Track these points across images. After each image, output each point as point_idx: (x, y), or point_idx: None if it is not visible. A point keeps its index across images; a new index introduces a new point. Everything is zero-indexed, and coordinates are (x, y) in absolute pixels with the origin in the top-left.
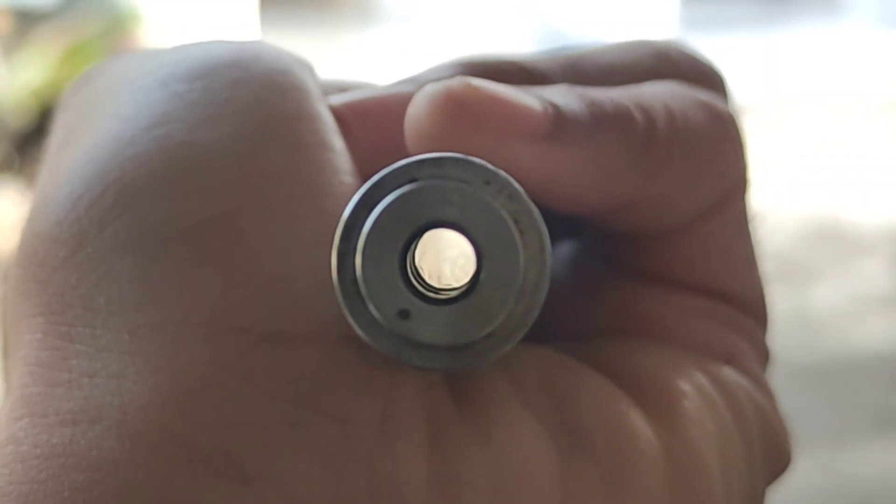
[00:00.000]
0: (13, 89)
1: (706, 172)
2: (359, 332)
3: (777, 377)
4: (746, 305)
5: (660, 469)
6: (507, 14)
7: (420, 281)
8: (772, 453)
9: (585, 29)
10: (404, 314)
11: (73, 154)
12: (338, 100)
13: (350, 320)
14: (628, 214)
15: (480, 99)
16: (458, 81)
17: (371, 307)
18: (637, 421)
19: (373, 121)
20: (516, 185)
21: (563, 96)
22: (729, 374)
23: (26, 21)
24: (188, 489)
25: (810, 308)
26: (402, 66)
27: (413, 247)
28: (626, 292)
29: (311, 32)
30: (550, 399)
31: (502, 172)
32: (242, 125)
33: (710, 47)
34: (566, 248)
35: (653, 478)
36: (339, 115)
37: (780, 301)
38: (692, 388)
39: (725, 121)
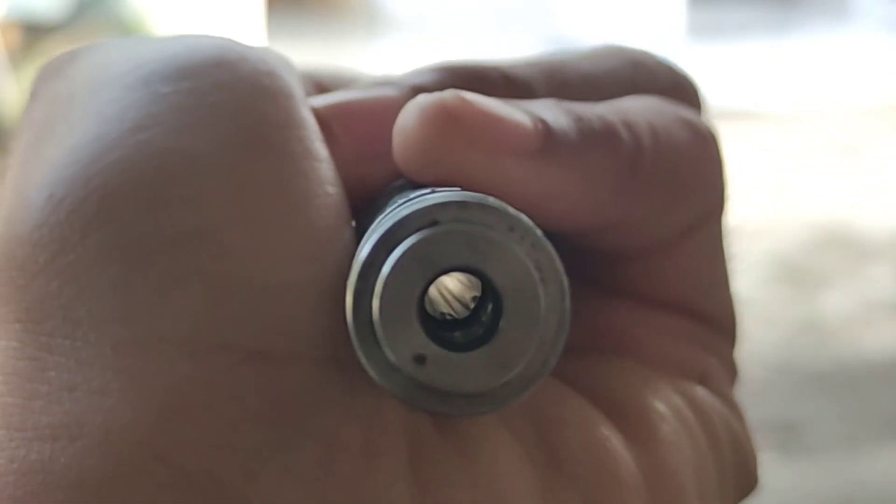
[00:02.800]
0: (21, 102)
1: (688, 193)
2: (372, 374)
3: (786, 383)
4: (719, 324)
5: (640, 495)
6: (515, 22)
7: (440, 321)
8: (741, 474)
9: (592, 35)
10: (420, 359)
11: (51, 153)
12: (320, 102)
13: (364, 362)
14: (608, 234)
15: (472, 113)
16: (451, 95)
17: (387, 350)
18: (618, 447)
19: (356, 126)
20: (538, 232)
21: (552, 111)
22: (703, 394)
23: (34, 34)
24: None
25: (820, 314)
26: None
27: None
28: (602, 308)
29: (318, 41)
30: (532, 421)
31: (525, 218)
32: (228, 132)
33: (717, 54)
34: None
35: (632, 502)
36: (322, 118)
37: (790, 307)
38: (670, 411)
39: (707, 139)
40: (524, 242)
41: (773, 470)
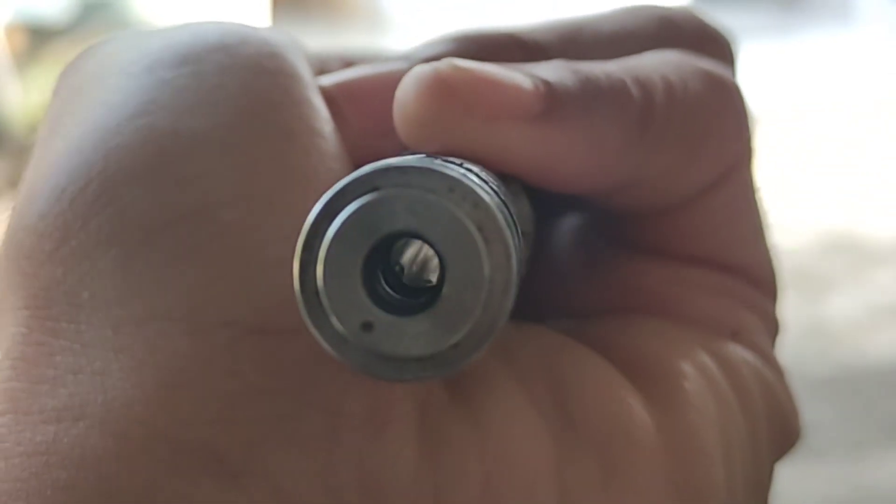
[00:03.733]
0: (27, 106)
1: (707, 145)
2: (323, 344)
3: (792, 388)
4: (754, 278)
5: (657, 456)
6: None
7: (394, 286)
8: (779, 430)
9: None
10: (367, 326)
11: (58, 144)
12: (328, 81)
13: (313, 332)
14: (629, 192)
15: (468, 81)
16: (446, 64)
17: (334, 319)
18: (635, 406)
19: (364, 102)
20: (481, 192)
21: (556, 72)
22: (734, 350)
23: (39, 37)
24: (173, 485)
25: (825, 319)
26: None
27: (382, 255)
28: (630, 268)
29: (322, 42)
30: (547, 382)
31: (466, 180)
32: (228, 113)
33: None
34: (568, 222)
35: (650, 465)
36: (330, 96)
37: (795, 312)
38: (693, 368)
39: (727, 89)
40: (465, 203)
41: (778, 474)
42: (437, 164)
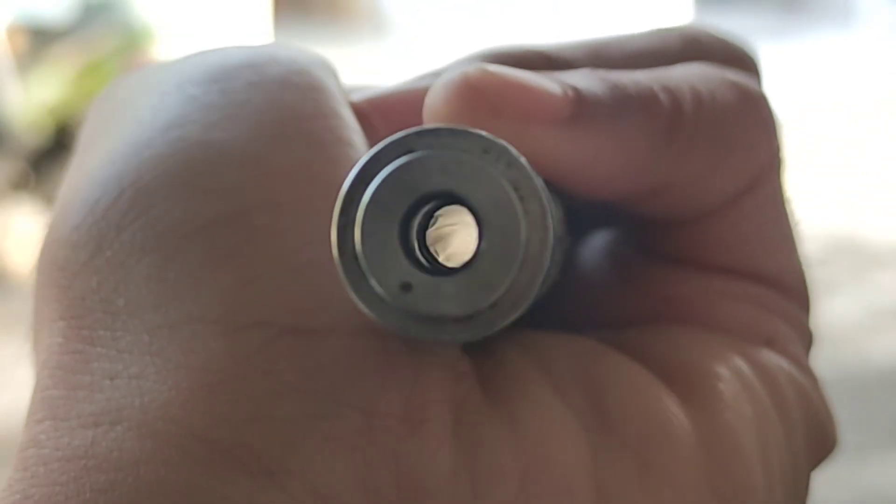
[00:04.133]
0: (28, 107)
1: (736, 153)
2: (361, 307)
3: None
4: (786, 287)
5: (695, 454)
6: (521, 26)
7: (427, 256)
8: (815, 436)
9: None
10: (406, 287)
11: (91, 160)
12: (359, 96)
13: (352, 296)
14: (659, 199)
15: (498, 84)
16: (475, 68)
17: (373, 281)
18: (670, 405)
19: (394, 116)
20: (515, 152)
21: (585, 79)
22: (768, 356)
23: (41, 39)
24: (210, 485)
25: (827, 321)
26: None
27: (419, 219)
28: (663, 278)
29: (325, 46)
30: (581, 385)
31: (500, 140)
32: (257, 125)
33: None
34: (601, 237)
35: (688, 463)
36: (361, 111)
37: None
38: (728, 370)
39: (755, 99)
40: (499, 163)
41: None
42: (469, 127)
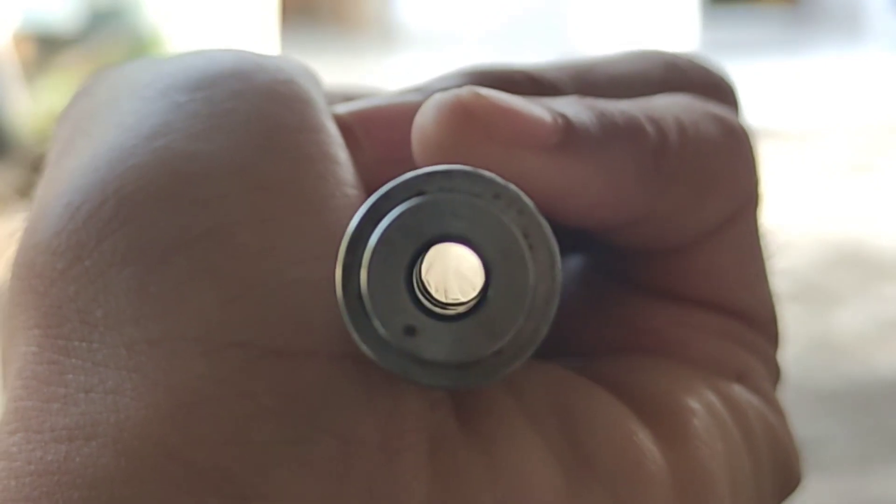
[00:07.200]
0: (35, 114)
1: (717, 187)
2: (364, 348)
3: (799, 402)
4: (757, 322)
5: (668, 490)
6: (529, 36)
7: (427, 296)
8: (781, 473)
9: (605, 50)
10: (410, 330)
11: (71, 164)
12: (344, 109)
13: (354, 336)
14: (637, 229)
15: (489, 109)
16: (467, 91)
17: (377, 323)
18: (645, 441)
19: (379, 130)
20: (526, 199)
21: (573, 107)
22: (739, 392)
23: (48, 47)
24: None
25: (833, 332)
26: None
27: (420, 261)
28: (636, 308)
29: (331, 54)
30: (557, 418)
31: (512, 186)
32: (243, 137)
33: (730, 71)
34: (575, 262)
35: (661, 501)
36: (345, 124)
37: (802, 325)
38: (702, 406)
39: (737, 134)
40: (510, 209)
41: None
42: (481, 170)
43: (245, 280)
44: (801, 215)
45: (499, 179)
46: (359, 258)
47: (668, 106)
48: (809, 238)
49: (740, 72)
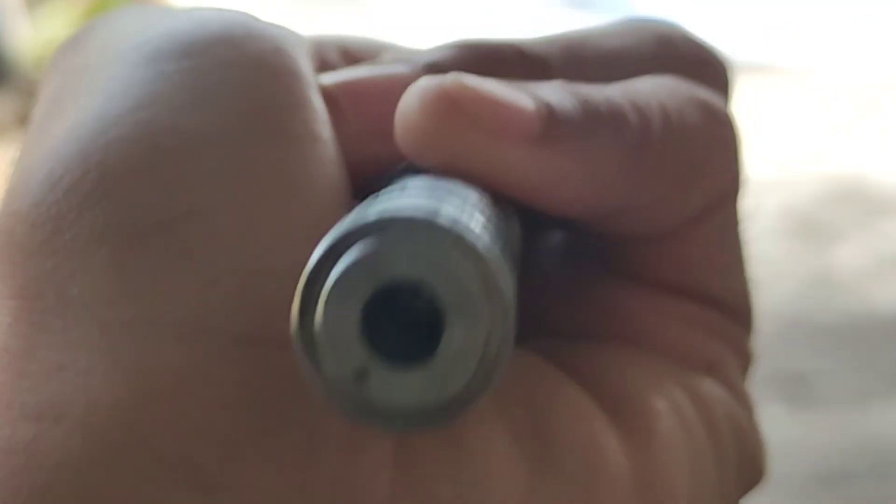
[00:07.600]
0: (36, 44)
1: (699, 178)
2: (314, 388)
3: (797, 336)
4: (733, 311)
5: (628, 493)
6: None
7: (400, 323)
8: (746, 468)
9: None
10: (362, 375)
11: (55, 129)
12: (330, 79)
13: (306, 375)
14: (619, 218)
15: (473, 97)
16: (452, 79)
17: (329, 365)
18: (610, 441)
19: (365, 103)
20: (483, 248)
21: (557, 94)
22: (708, 387)
23: None
24: (148, 495)
25: (832, 268)
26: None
27: (381, 305)
28: (612, 292)
29: (336, 5)
30: (525, 409)
31: (471, 235)
32: (229, 113)
33: (734, 6)
34: (554, 238)
35: (619, 501)
36: (331, 95)
37: (802, 261)
38: (669, 407)
39: (722, 121)
40: (468, 258)
41: (781, 422)
42: (444, 216)
43: (222, 264)
44: (802, 151)
45: (459, 228)
46: (315, 296)
47: (654, 91)
48: (810, 173)
49: (744, 6)
